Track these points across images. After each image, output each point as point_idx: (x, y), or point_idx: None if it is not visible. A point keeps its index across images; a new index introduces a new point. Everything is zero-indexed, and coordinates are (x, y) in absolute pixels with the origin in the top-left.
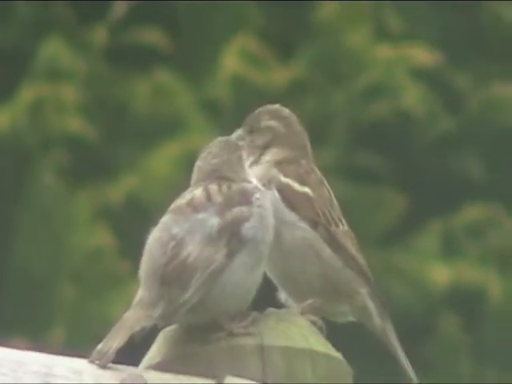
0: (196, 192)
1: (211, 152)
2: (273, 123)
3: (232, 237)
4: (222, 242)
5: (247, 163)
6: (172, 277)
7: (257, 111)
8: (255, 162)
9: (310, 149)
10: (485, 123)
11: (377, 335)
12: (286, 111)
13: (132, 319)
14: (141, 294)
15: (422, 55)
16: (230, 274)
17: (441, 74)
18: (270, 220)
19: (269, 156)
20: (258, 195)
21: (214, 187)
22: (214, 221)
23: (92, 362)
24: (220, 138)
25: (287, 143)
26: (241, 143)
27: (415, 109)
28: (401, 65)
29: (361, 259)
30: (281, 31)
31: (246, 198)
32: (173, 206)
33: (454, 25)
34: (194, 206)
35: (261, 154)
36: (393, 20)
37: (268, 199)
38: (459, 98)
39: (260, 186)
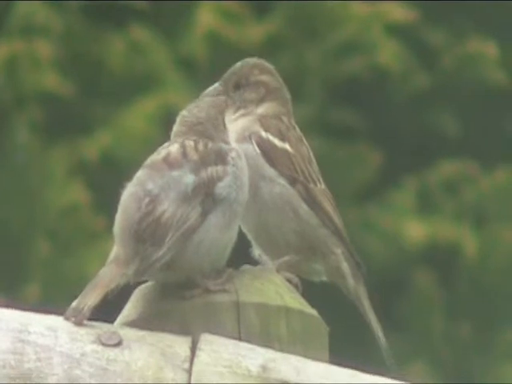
0: (172, 148)
1: (199, 106)
2: (265, 78)
3: (206, 196)
4: (196, 200)
5: (235, 116)
6: (146, 233)
7: (238, 66)
8: (245, 115)
9: (291, 105)
10: (460, 79)
11: (350, 296)
12: (269, 64)
13: (107, 277)
14: (116, 250)
15: (398, 12)
16: (204, 232)
17: (416, 31)
18: (245, 180)
19: (261, 110)
20: (233, 154)
21: (190, 143)
22: (189, 179)
23: (67, 319)
24: (210, 95)
25: (278, 97)
26: (222, 98)
27: (390, 65)
28: (376, 21)
29: (337, 219)
30: None
31: (221, 157)
32: (148, 161)
33: None
34: (169, 163)
35: (253, 108)
36: None
37: (243, 159)
38: (434, 55)
39: (237, 148)
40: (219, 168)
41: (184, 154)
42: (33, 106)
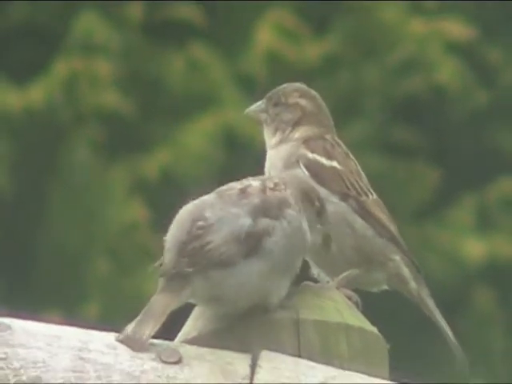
0: (253, 182)
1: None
2: (302, 101)
3: (255, 244)
4: (244, 243)
5: (274, 139)
6: (187, 253)
7: (282, 87)
8: (284, 140)
9: (333, 125)
10: None
11: (413, 301)
12: (313, 91)
13: (162, 305)
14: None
15: (456, 30)
16: (246, 276)
17: (475, 49)
18: (299, 237)
19: (298, 134)
20: (292, 211)
21: (270, 185)
22: (245, 221)
23: (121, 342)
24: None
25: (315, 121)
26: (262, 115)
27: (449, 83)
28: (435, 39)
29: (392, 226)
30: (315, 6)
31: (280, 208)
32: (221, 188)
33: None
34: (245, 192)
35: (290, 132)
36: None
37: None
38: (493, 73)
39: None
40: (275, 223)
41: (263, 192)
42: (92, 125)
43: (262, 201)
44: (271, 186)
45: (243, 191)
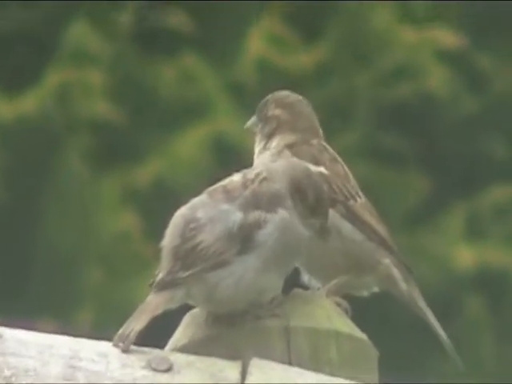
0: (234, 177)
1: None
2: (277, 112)
3: (247, 237)
4: (237, 239)
5: (257, 149)
6: (181, 255)
7: (266, 99)
8: (263, 150)
9: (320, 129)
10: (509, 104)
11: (404, 302)
12: (292, 97)
13: (154, 303)
14: (160, 274)
15: (447, 37)
16: (241, 273)
17: (465, 56)
18: (293, 236)
19: (275, 142)
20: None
21: (251, 176)
22: (236, 217)
23: (115, 345)
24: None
25: (291, 128)
26: (256, 129)
27: (439, 90)
28: (425, 47)
29: (381, 229)
30: (305, 13)
31: (271, 203)
32: (211, 188)
33: (478, 7)
34: (227, 191)
35: (266, 143)
36: (417, 2)
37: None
38: (483, 80)
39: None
40: (267, 215)
41: (244, 185)
42: (84, 134)
43: (252, 193)
44: (251, 177)
45: (225, 187)
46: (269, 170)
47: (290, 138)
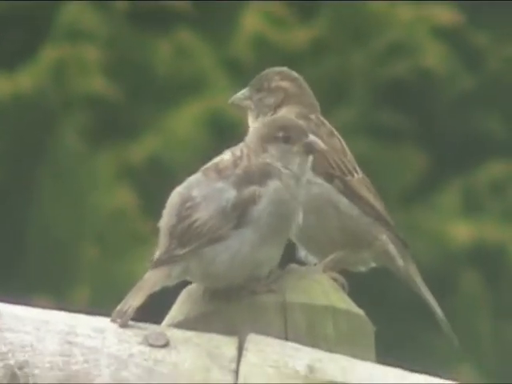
0: (224, 156)
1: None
2: (284, 84)
3: (242, 213)
4: (232, 215)
5: (257, 123)
6: (178, 234)
7: (264, 72)
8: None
9: (318, 106)
10: (506, 81)
11: (401, 278)
12: (295, 73)
13: (152, 279)
14: (158, 252)
15: (443, 14)
16: (237, 247)
17: (461, 33)
18: (288, 204)
19: (282, 114)
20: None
21: (238, 154)
22: (230, 194)
23: (113, 321)
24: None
25: (297, 102)
26: (247, 102)
27: (436, 67)
28: (421, 24)
29: (378, 205)
30: None
31: (263, 175)
32: (205, 165)
33: None
34: (219, 170)
35: (273, 114)
36: None
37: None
38: (480, 57)
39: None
40: (260, 189)
41: (234, 163)
42: (80, 110)
43: (244, 171)
44: (238, 153)
45: (217, 165)
46: (246, 141)
47: (294, 111)
